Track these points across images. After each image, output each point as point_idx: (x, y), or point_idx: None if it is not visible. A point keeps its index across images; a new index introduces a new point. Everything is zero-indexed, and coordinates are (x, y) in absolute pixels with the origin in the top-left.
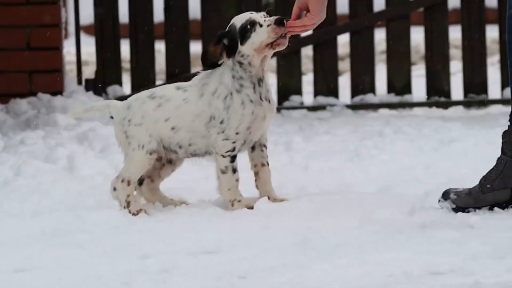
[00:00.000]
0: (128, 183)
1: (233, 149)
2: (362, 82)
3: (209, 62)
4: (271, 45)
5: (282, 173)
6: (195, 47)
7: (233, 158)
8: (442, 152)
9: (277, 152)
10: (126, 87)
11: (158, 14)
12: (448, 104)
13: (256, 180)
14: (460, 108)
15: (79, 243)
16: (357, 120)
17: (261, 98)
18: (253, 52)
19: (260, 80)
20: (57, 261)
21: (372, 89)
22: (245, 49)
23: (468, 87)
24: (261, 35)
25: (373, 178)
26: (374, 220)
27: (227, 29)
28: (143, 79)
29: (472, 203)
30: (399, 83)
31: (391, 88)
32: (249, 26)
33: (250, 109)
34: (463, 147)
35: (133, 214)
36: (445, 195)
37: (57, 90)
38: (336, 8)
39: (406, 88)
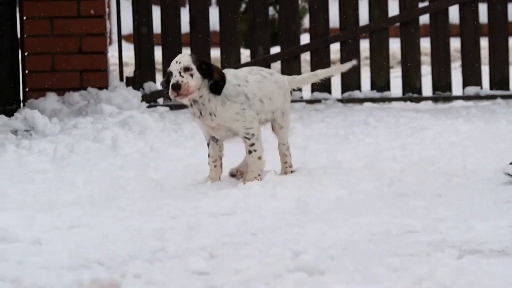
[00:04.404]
0: None
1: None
2: (351, 81)
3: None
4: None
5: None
6: (215, 53)
7: (207, 144)
8: (415, 137)
9: None
10: (159, 83)
11: (185, 26)
12: (419, 99)
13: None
14: (429, 102)
15: (121, 206)
16: (346, 111)
17: (201, 114)
18: None
19: (194, 102)
20: (103, 220)
21: (358, 87)
22: None
23: (436, 86)
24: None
25: (359, 157)
26: (360, 190)
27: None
28: None
29: None
30: (380, 82)
31: (373, 86)
32: (168, 76)
33: (194, 119)
34: (431, 133)
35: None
36: None
37: (103, 85)
38: (329, 22)
39: (385, 86)
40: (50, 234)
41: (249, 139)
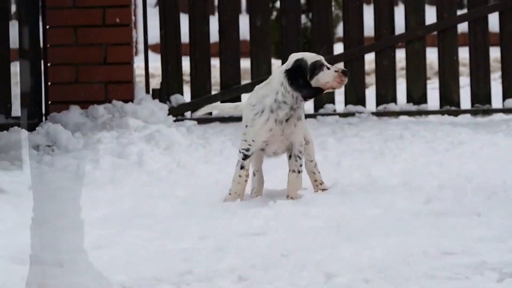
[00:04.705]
0: None
1: (247, 150)
2: (386, 93)
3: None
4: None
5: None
6: (244, 63)
7: (245, 157)
8: (453, 152)
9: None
10: (187, 96)
11: (214, 35)
12: (457, 112)
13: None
14: (468, 115)
15: (147, 225)
16: (381, 125)
17: (286, 121)
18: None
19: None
20: (129, 240)
21: (393, 99)
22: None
23: (475, 98)
24: (328, 77)
25: (395, 174)
26: (396, 208)
27: (298, 63)
28: (200, 89)
29: None
30: (417, 94)
31: (409, 99)
32: (319, 66)
33: (269, 127)
34: (470, 148)
35: None
36: None
37: (128, 98)
38: (363, 31)
39: (422, 98)
40: (73, 255)
41: (300, 158)
